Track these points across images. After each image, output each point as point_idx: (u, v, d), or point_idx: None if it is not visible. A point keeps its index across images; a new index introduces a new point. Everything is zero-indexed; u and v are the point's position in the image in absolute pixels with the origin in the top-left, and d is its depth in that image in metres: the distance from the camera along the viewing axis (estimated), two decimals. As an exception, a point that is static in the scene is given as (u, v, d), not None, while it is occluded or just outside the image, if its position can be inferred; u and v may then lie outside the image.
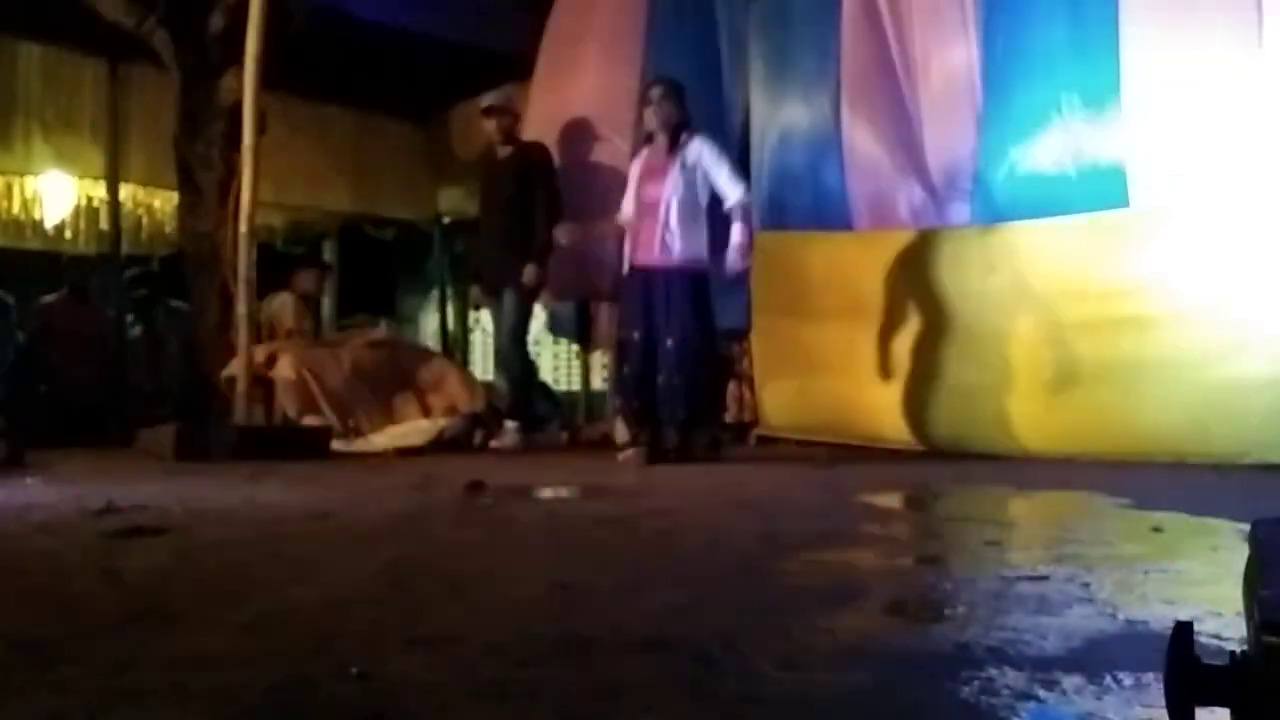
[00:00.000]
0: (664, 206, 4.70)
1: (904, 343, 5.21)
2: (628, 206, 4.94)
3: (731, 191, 4.75)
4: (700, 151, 4.77)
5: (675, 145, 4.79)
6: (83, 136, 7.00)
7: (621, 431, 4.75)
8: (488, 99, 6.02)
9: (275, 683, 1.20)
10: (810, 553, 2.21)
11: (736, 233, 4.70)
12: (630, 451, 4.66)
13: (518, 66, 6.75)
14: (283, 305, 7.00)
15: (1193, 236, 4.40)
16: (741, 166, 5.37)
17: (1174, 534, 2.45)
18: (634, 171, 4.98)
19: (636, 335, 4.73)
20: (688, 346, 4.64)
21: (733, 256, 4.70)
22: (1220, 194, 4.35)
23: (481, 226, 6.10)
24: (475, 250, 6.21)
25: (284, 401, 5.78)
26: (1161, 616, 1.51)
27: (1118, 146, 4.60)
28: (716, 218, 4.84)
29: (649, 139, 4.93)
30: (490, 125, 5.94)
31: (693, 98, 5.88)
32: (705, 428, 4.76)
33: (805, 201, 5.70)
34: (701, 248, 4.74)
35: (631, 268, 4.85)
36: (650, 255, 4.74)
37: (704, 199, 4.77)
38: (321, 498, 3.24)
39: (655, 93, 4.89)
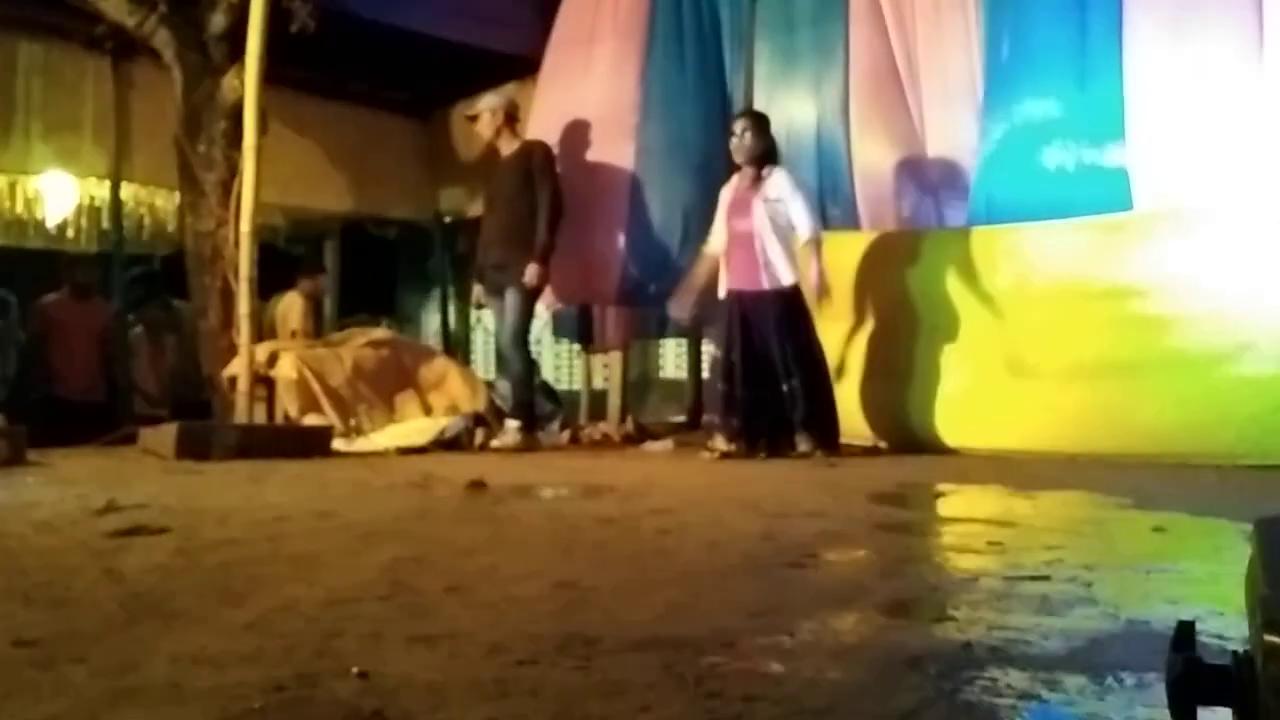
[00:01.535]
0: (757, 241, 4.96)
1: (905, 343, 5.22)
2: (717, 237, 5.16)
3: (802, 225, 4.97)
4: (780, 185, 5.01)
5: (759, 177, 5.03)
6: (84, 136, 7.00)
7: (720, 444, 4.97)
8: (478, 105, 6.02)
9: (276, 682, 1.20)
10: (811, 552, 2.21)
11: (813, 272, 4.92)
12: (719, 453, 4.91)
13: (519, 66, 6.76)
14: (290, 306, 7.02)
15: (1195, 238, 4.40)
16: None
17: (1176, 534, 2.45)
18: (724, 199, 5.17)
19: (735, 356, 4.96)
20: (797, 356, 4.89)
21: (816, 291, 4.96)
22: (1223, 196, 4.35)
23: (484, 225, 6.11)
24: (478, 249, 6.21)
25: (285, 401, 5.78)
26: (1164, 616, 1.51)
27: (1121, 148, 4.60)
28: None
29: (737, 168, 5.14)
30: (483, 128, 5.95)
31: (695, 99, 5.89)
32: (810, 432, 4.90)
33: (812, 203, 5.70)
34: (792, 270, 4.97)
35: (728, 291, 5.06)
36: (746, 282, 4.99)
37: (789, 228, 5.01)
38: (323, 497, 3.24)
39: (738, 126, 5.13)
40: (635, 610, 1.61)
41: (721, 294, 5.12)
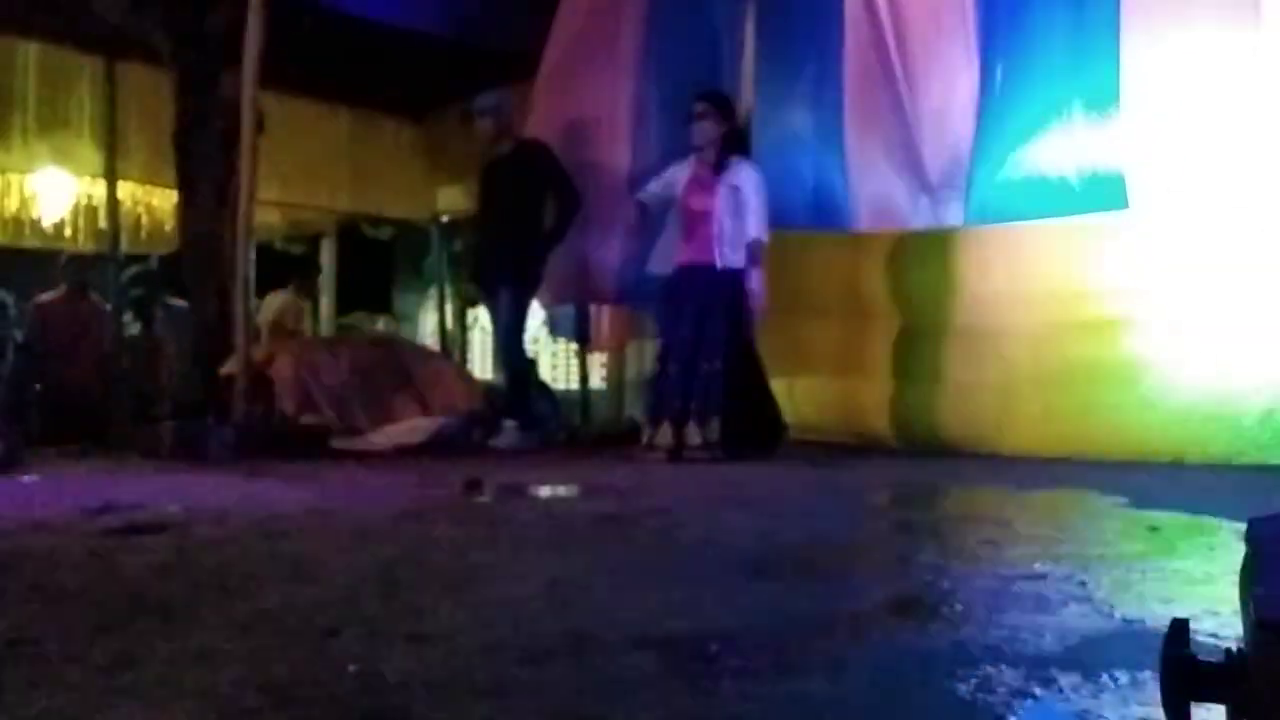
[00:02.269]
0: (716, 222, 4.89)
1: (902, 343, 5.22)
2: (655, 189, 5.14)
3: (755, 226, 4.89)
4: (748, 178, 4.93)
5: (722, 159, 4.95)
6: (81, 134, 7.00)
7: (664, 435, 4.79)
8: (476, 102, 6.03)
9: (273, 680, 1.20)
10: (808, 551, 2.22)
11: (755, 277, 4.86)
12: (658, 450, 4.74)
13: (515, 66, 6.75)
14: (284, 305, 7.02)
15: (1190, 239, 4.41)
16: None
17: (1170, 533, 2.45)
18: (679, 173, 5.09)
19: (685, 335, 4.84)
20: (728, 340, 4.78)
21: (754, 296, 4.87)
22: (1218, 197, 4.35)
23: (478, 224, 6.11)
24: (472, 248, 6.22)
25: (282, 400, 5.78)
26: (1158, 615, 1.52)
27: (1117, 149, 4.61)
28: None
29: (698, 150, 5.06)
30: (481, 127, 5.96)
31: (691, 99, 5.85)
32: (732, 424, 4.76)
33: (805, 202, 5.70)
34: (740, 255, 4.88)
35: (679, 267, 4.97)
36: (701, 254, 4.90)
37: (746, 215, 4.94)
38: (319, 496, 3.24)
39: (697, 109, 5.05)
40: (632, 609, 1.62)
41: (658, 267, 5.04)
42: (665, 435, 4.78)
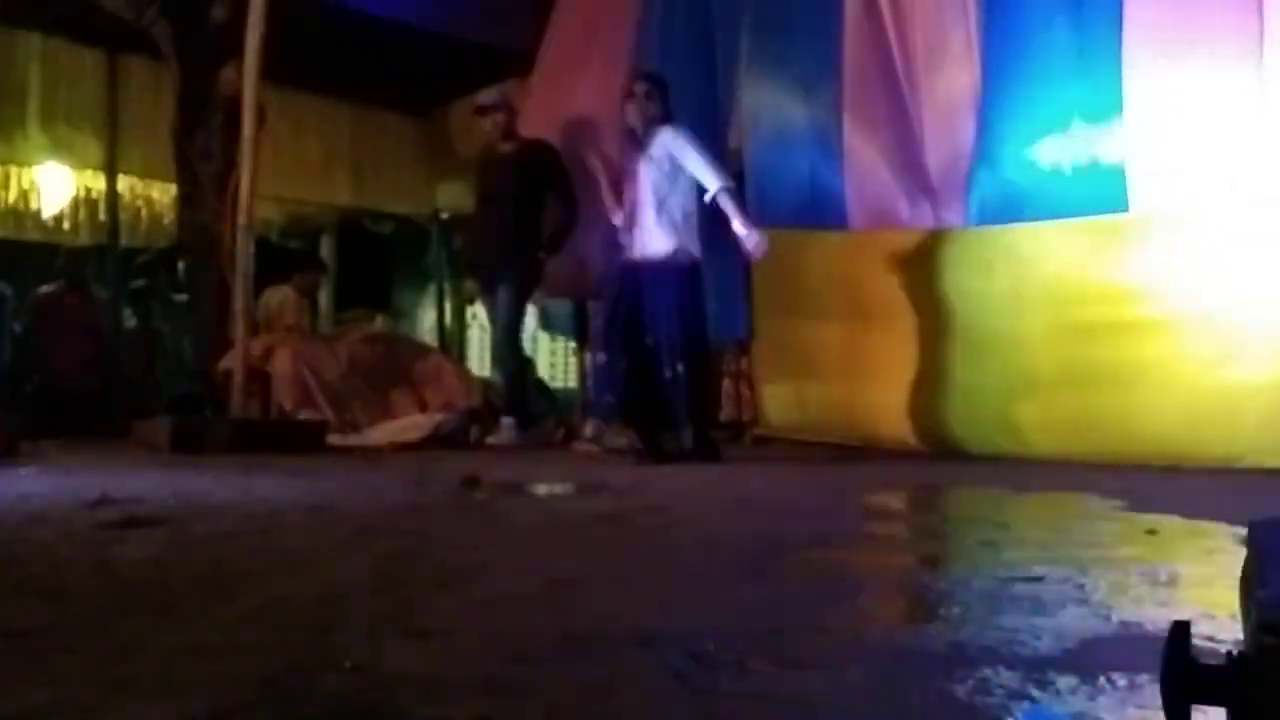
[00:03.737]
0: (641, 208, 4.62)
1: (903, 344, 5.22)
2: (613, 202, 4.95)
3: (709, 181, 4.48)
4: (667, 142, 4.56)
5: (647, 137, 4.68)
6: (81, 127, 7.00)
7: (595, 431, 4.63)
8: (481, 98, 6.02)
9: (270, 675, 1.19)
10: (807, 551, 2.21)
11: (736, 224, 4.43)
12: (603, 450, 4.61)
13: (516, 62, 6.75)
14: (284, 301, 7.01)
15: (1191, 240, 4.41)
16: (738, 166, 5.43)
17: (1169, 536, 2.45)
18: (625, 169, 4.90)
19: (617, 326, 4.62)
20: (685, 340, 4.53)
21: (746, 247, 4.49)
22: (1219, 198, 4.35)
23: (477, 221, 6.10)
24: (470, 245, 6.21)
25: (280, 395, 5.78)
26: (1155, 618, 1.51)
27: (1118, 149, 4.61)
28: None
29: (633, 136, 4.80)
30: (487, 124, 5.94)
31: (689, 97, 5.84)
32: (689, 429, 4.56)
33: (803, 201, 5.70)
34: (683, 241, 4.59)
35: (621, 266, 4.78)
36: (637, 250, 4.66)
37: (686, 189, 4.58)
38: (317, 491, 3.24)
39: (638, 89, 4.77)
40: (630, 607, 1.61)
41: (618, 267, 4.79)
42: (590, 430, 4.66)
